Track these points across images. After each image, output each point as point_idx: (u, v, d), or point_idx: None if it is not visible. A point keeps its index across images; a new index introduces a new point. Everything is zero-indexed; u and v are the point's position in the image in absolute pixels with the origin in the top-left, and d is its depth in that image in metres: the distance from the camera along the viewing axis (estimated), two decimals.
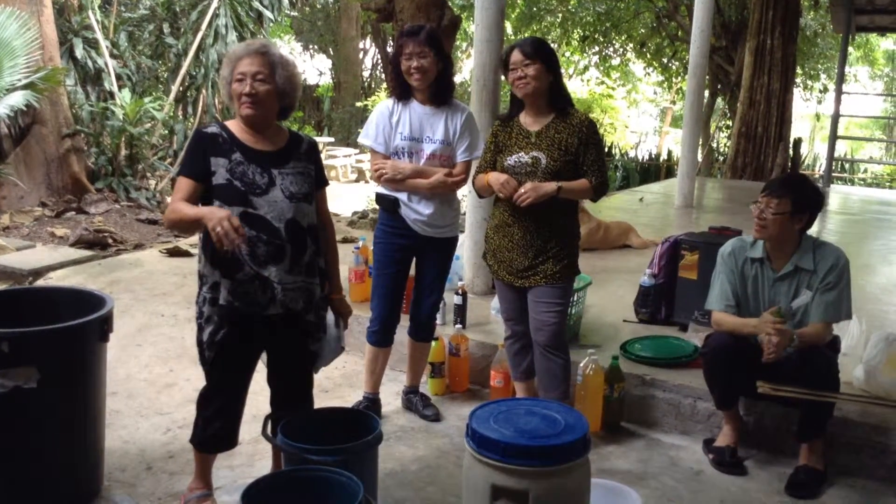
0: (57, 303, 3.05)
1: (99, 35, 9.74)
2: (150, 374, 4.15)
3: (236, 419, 2.83)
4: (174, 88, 10.73)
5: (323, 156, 18.12)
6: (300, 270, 2.67)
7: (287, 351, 2.82)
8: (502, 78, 4.70)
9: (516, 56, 3.18)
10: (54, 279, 5.74)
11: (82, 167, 8.83)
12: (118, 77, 9.99)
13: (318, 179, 2.81)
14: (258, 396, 2.98)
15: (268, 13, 11.88)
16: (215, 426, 2.77)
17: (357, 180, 16.84)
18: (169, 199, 9.33)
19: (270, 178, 2.63)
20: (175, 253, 6.44)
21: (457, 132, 3.47)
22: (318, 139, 18.82)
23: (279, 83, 2.64)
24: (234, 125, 2.69)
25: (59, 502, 2.80)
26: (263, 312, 2.64)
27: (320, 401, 3.82)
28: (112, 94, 9.72)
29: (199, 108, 11.55)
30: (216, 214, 2.40)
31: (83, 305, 2.89)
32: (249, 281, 2.59)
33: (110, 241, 7.12)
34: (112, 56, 10.06)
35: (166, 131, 10.64)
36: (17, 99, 7.50)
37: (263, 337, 2.74)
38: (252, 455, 3.28)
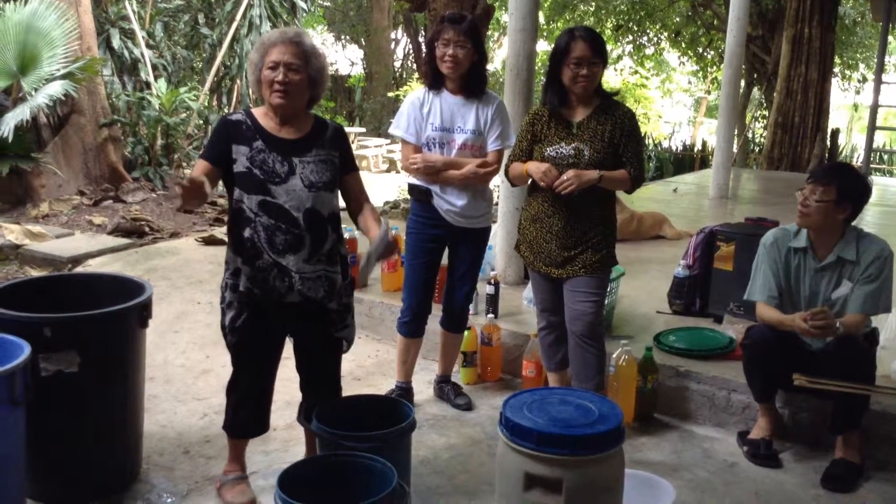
0: (98, 289, 3.10)
1: (135, 25, 9.85)
2: (187, 361, 4.21)
3: (265, 404, 2.88)
4: (209, 79, 10.83)
5: (354, 146, 18.22)
6: (320, 259, 2.68)
7: (311, 340, 2.84)
8: (536, 67, 4.69)
9: (584, 51, 3.06)
10: (93, 266, 5.83)
11: (119, 156, 8.94)
12: (154, 67, 10.11)
13: (345, 166, 2.80)
14: (292, 383, 3.01)
15: (301, 3, 11.94)
16: (244, 411, 2.82)
17: (388, 170, 16.85)
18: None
19: (291, 166, 2.64)
20: (211, 241, 6.50)
21: (488, 122, 3.45)
22: (349, 129, 18.91)
23: (311, 73, 2.66)
24: (259, 112, 2.72)
25: (99, 484, 2.86)
26: (282, 300, 2.67)
27: (353, 388, 3.86)
28: (148, 85, 9.83)
29: (234, 98, 11.65)
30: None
31: (123, 292, 2.94)
32: (268, 269, 2.63)
33: (147, 229, 7.21)
34: (148, 46, 10.17)
35: (201, 121, 10.74)
36: (56, 88, 7.61)
37: (284, 324, 2.76)
38: (287, 441, 3.32)
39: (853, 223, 3.21)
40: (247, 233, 2.63)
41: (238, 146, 2.62)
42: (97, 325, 2.73)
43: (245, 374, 2.80)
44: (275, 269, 2.63)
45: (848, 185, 3.10)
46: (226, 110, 11.66)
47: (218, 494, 2.87)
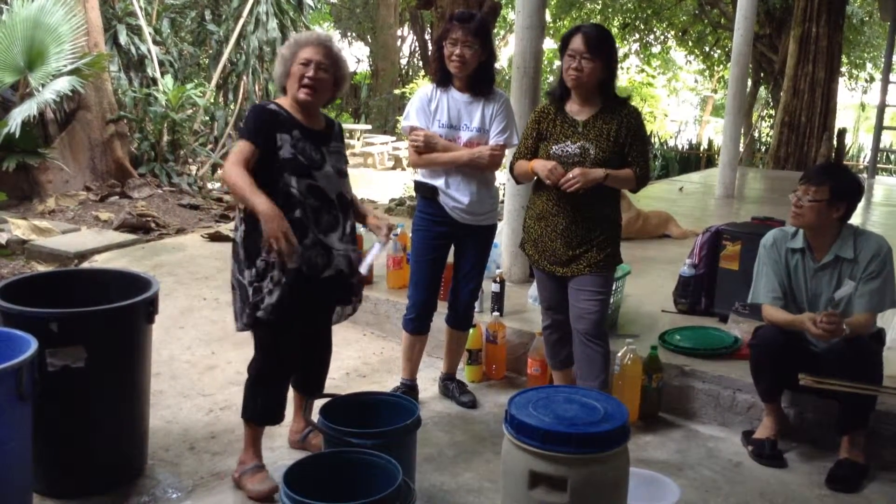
0: (104, 284, 3.12)
1: (142, 21, 9.85)
2: (193, 356, 4.22)
3: (287, 389, 3.00)
4: (215, 75, 10.84)
5: (360, 143, 18.23)
6: (347, 239, 2.94)
7: (326, 305, 3.06)
8: (543, 64, 4.69)
9: (578, 45, 3.06)
10: (99, 262, 5.85)
11: (126, 152, 8.95)
12: (161, 63, 10.10)
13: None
14: None
15: (308, 0, 11.93)
16: (272, 396, 2.94)
17: (394, 168, 16.85)
18: (210, 185, 9.43)
19: (322, 154, 2.87)
20: (216, 237, 6.52)
21: (493, 118, 3.46)
22: (355, 127, 18.94)
23: (337, 76, 2.91)
24: (286, 103, 2.88)
25: (104, 480, 2.87)
26: (321, 275, 2.84)
27: (358, 385, 3.88)
28: (155, 81, 9.83)
29: (240, 95, 11.65)
30: (275, 223, 2.59)
31: (130, 287, 2.95)
32: (312, 247, 2.79)
33: (153, 225, 7.22)
34: (155, 43, 10.17)
35: (207, 118, 10.75)
36: (63, 84, 7.62)
37: (315, 298, 2.91)
38: None
39: (850, 222, 3.21)
40: (297, 213, 2.76)
41: (280, 134, 2.78)
42: (104, 320, 2.73)
43: (283, 353, 2.88)
44: (318, 246, 2.81)
45: (840, 185, 3.11)
46: (232, 107, 11.66)
47: (238, 486, 2.87)
